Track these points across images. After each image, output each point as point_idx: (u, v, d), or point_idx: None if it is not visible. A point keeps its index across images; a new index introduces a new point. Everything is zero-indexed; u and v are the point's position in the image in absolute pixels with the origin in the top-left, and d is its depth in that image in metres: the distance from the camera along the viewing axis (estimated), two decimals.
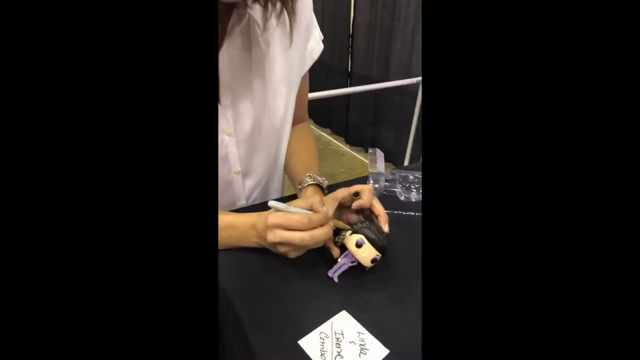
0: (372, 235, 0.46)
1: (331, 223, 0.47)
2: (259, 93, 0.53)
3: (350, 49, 2.42)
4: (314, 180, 0.56)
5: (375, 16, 2.13)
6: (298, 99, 0.61)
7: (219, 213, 0.51)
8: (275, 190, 0.68)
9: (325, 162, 2.41)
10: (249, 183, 0.61)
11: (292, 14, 0.47)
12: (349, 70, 2.49)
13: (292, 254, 0.47)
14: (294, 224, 0.43)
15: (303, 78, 0.61)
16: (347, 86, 2.54)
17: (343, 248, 0.48)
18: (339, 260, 0.47)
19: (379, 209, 0.51)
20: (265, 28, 0.48)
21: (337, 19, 2.41)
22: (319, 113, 2.81)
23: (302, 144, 0.64)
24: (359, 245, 0.46)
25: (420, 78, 1.85)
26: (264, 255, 0.49)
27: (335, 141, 2.74)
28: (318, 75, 2.63)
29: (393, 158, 2.28)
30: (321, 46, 0.61)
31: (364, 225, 0.47)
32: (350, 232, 0.47)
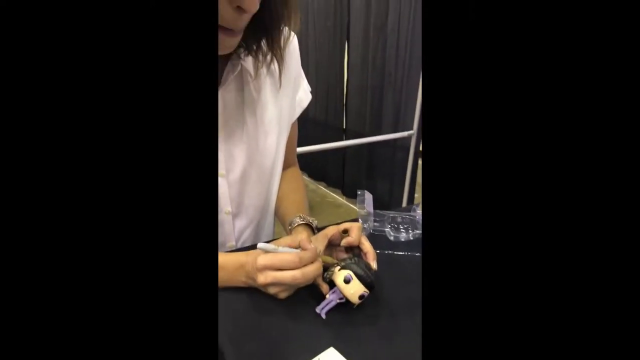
0: (360, 272, 0.46)
1: (320, 259, 0.47)
2: (251, 134, 0.56)
3: (344, 108, 2.55)
4: (304, 220, 0.57)
5: (366, 77, 2.28)
6: (288, 144, 0.65)
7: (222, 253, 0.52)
8: (267, 232, 0.69)
9: (322, 214, 2.42)
10: (240, 224, 0.62)
11: (280, 60, 0.52)
12: (344, 127, 2.60)
13: (283, 294, 0.47)
14: (284, 264, 0.44)
15: (293, 125, 0.65)
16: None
17: (332, 284, 0.48)
18: (328, 296, 0.47)
19: (367, 246, 0.52)
20: (256, 76, 0.53)
21: (330, 80, 2.56)
22: (315, 168, 2.87)
23: (292, 187, 0.66)
24: (347, 281, 0.46)
25: (411, 132, 1.93)
26: (250, 293, 0.49)
27: (332, 193, 2.77)
28: (314, 132, 2.74)
29: (388, 209, 2.30)
30: (309, 97, 0.66)
31: (353, 261, 0.48)
32: (338, 267, 0.48)
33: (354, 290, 0.46)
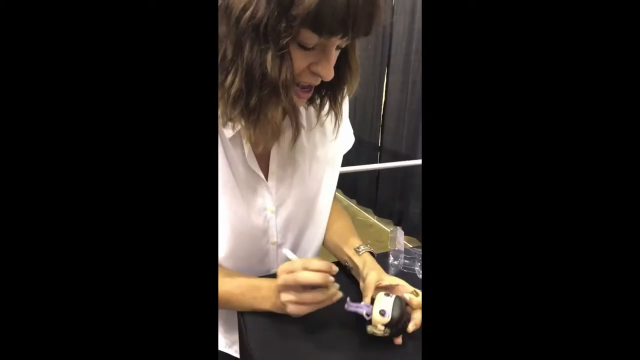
0: (396, 316, 0.49)
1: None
2: (299, 176, 0.63)
3: (381, 127, 2.59)
4: (370, 248, 0.62)
5: (405, 99, 2.31)
6: None
7: (244, 277, 0.58)
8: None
9: None
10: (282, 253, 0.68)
11: (339, 116, 0.58)
12: (380, 145, 2.65)
13: (295, 309, 0.50)
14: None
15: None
16: (377, 160, 2.68)
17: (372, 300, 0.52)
18: (363, 304, 0.51)
19: (395, 283, 0.54)
20: (309, 129, 0.60)
21: (367, 100, 2.63)
22: (347, 184, 2.92)
23: (337, 216, 0.71)
24: (382, 313, 0.49)
25: None
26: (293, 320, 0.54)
27: (363, 212, 2.80)
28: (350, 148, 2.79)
29: (419, 232, 2.30)
30: (352, 139, 0.72)
31: (398, 302, 0.50)
32: (388, 295, 0.51)
33: (379, 324, 0.49)
